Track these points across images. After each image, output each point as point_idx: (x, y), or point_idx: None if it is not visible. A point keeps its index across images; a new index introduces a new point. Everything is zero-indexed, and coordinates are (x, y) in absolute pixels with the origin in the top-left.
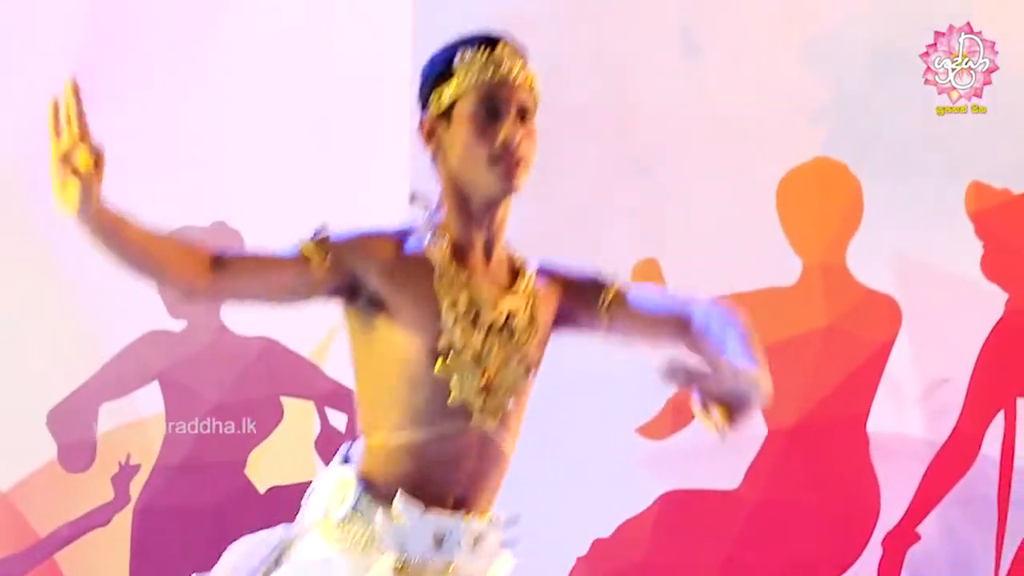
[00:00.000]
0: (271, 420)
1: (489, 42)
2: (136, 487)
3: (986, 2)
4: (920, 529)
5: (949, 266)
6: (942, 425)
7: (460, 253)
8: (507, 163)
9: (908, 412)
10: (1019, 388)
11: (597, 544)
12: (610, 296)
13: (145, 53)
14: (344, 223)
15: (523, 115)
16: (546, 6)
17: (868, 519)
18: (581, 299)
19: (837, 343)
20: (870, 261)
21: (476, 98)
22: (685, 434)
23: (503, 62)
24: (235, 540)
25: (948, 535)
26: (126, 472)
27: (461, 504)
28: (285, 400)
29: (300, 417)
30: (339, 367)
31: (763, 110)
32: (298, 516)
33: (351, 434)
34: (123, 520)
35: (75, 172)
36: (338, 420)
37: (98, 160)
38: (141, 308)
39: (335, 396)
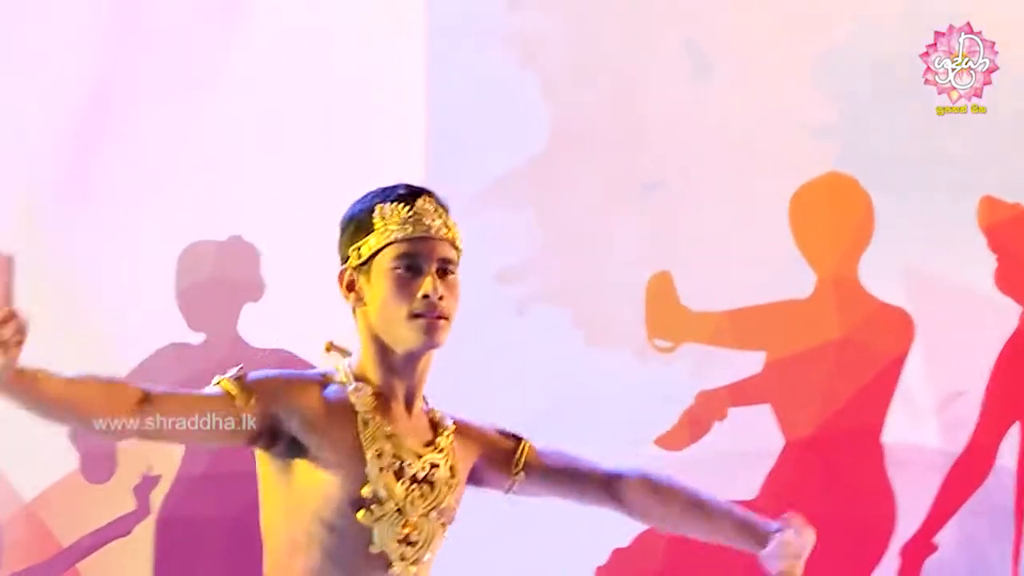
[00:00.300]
0: None
1: (409, 196)
2: (157, 497)
3: (986, 2)
4: (937, 539)
5: (962, 279)
6: (958, 436)
7: (382, 403)
8: (428, 319)
9: (923, 423)
10: None
11: (616, 554)
12: (525, 452)
13: (160, 67)
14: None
15: (444, 269)
16: (555, 22)
17: (885, 530)
18: (496, 455)
19: (851, 355)
20: (883, 274)
21: (396, 253)
22: (702, 445)
23: (423, 217)
24: (255, 548)
25: (965, 545)
26: (147, 483)
27: None
28: None
29: None
30: None
31: (773, 125)
32: None
33: None
34: (145, 530)
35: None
36: None
37: (21, 333)
38: (161, 321)
39: None
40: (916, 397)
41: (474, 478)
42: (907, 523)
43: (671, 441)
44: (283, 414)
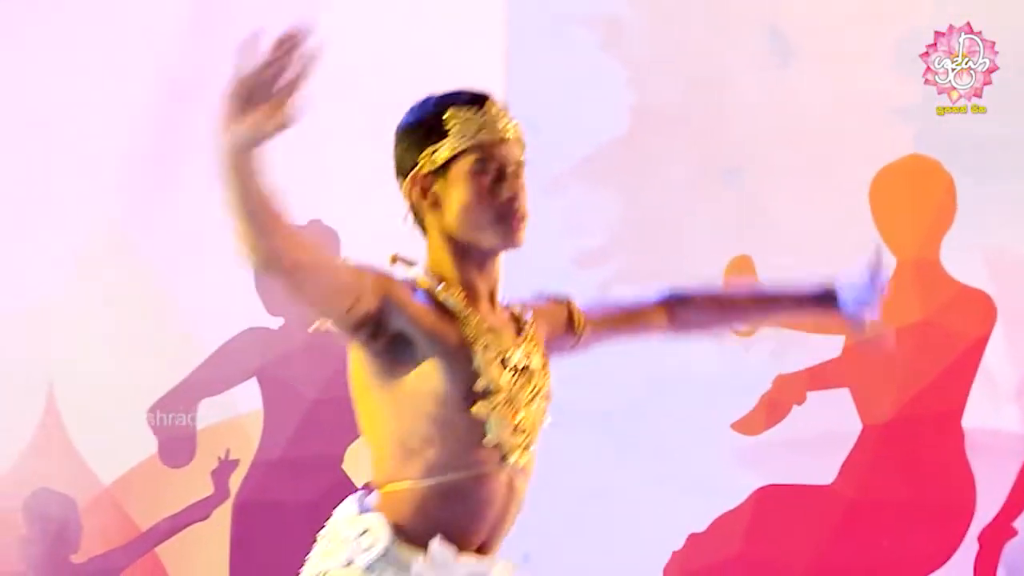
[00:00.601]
0: None
1: (478, 100)
2: (235, 482)
3: (986, 2)
4: (1017, 524)
5: None
6: None
7: (471, 301)
8: (512, 221)
9: (1004, 407)
10: None
11: (692, 539)
12: (575, 312)
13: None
14: None
15: (517, 172)
16: (637, 6)
17: (964, 514)
18: (558, 324)
19: (932, 339)
20: (964, 257)
21: (476, 157)
22: (780, 429)
23: (497, 121)
24: None
25: None
26: (226, 467)
27: (483, 547)
28: None
29: None
30: None
31: (854, 110)
32: (307, 569)
33: None
34: (223, 514)
35: (278, 107)
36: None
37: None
38: (240, 306)
39: None
40: (997, 381)
41: (553, 349)
42: (986, 508)
43: (749, 425)
44: (395, 308)
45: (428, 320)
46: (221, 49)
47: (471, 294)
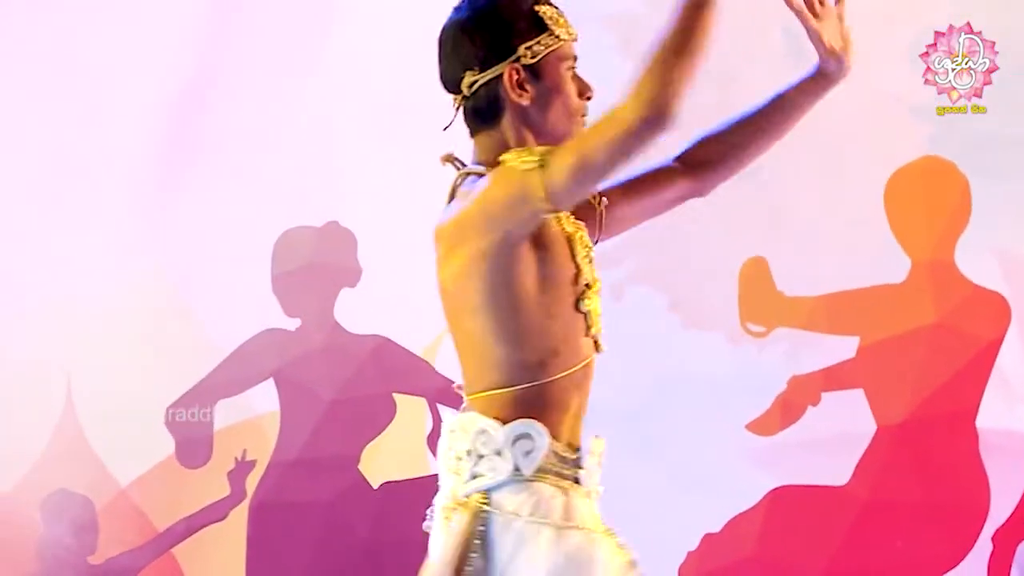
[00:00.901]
0: (384, 416)
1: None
2: (252, 483)
3: (986, 2)
4: None
5: None
6: None
7: None
8: (585, 118)
9: (1018, 408)
10: None
11: (707, 539)
12: (599, 197)
13: (257, 56)
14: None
15: None
16: (653, 7)
17: (978, 515)
18: (580, 213)
19: (946, 340)
20: (979, 258)
21: (569, 55)
22: (794, 430)
23: (567, 20)
24: (348, 534)
25: None
26: (242, 468)
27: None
28: (398, 396)
29: (412, 413)
30: (451, 364)
31: (869, 110)
32: (453, 486)
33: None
34: (239, 515)
35: None
36: (450, 416)
37: None
38: (257, 308)
39: (447, 393)
40: (1011, 382)
41: None
42: (1000, 508)
43: (764, 426)
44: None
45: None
46: (239, 40)
47: None
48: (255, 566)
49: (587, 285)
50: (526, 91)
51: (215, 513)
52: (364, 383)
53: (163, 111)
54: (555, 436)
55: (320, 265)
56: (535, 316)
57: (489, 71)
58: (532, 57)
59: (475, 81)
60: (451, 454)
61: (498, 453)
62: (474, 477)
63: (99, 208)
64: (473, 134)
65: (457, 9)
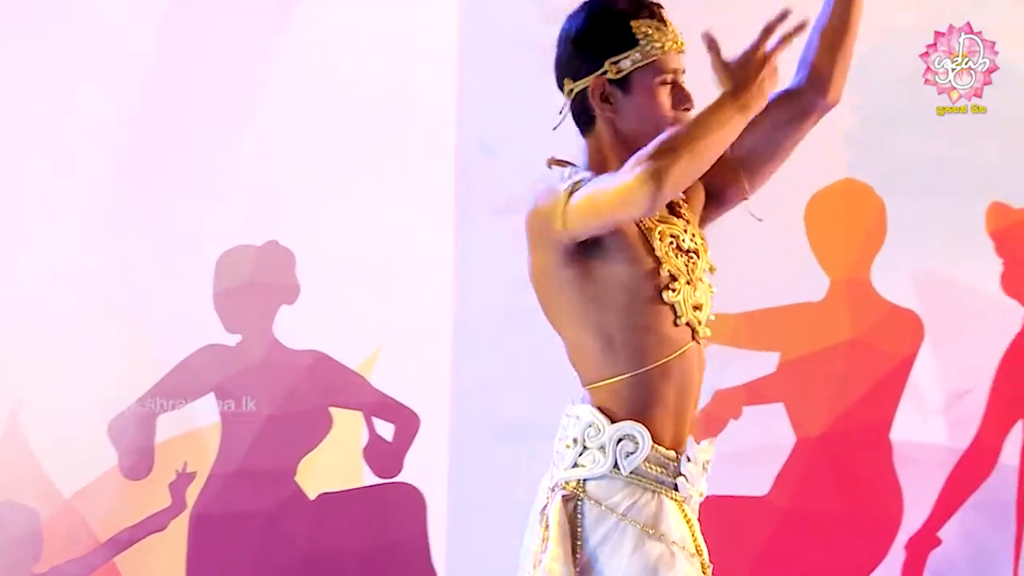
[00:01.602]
0: (321, 430)
1: (654, 8)
2: (192, 494)
3: (986, 2)
4: (941, 534)
5: (970, 282)
6: (963, 434)
7: None
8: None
9: (930, 421)
10: None
11: None
12: (727, 154)
13: (199, 78)
14: (390, 238)
15: (682, 76)
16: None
17: (892, 524)
18: (716, 175)
19: (862, 356)
20: (894, 277)
21: (661, 68)
22: (717, 442)
23: (673, 31)
24: (286, 543)
25: (968, 539)
26: (183, 479)
27: (691, 426)
28: (334, 410)
29: (348, 427)
30: (386, 379)
31: None
32: (562, 474)
33: (399, 442)
34: (180, 525)
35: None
36: (385, 429)
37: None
38: (199, 324)
39: (382, 407)
40: (924, 396)
41: (715, 205)
42: (913, 518)
43: None
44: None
45: None
46: (174, 71)
47: None
48: (195, 574)
49: (672, 276)
50: (610, 104)
51: (156, 523)
52: (302, 397)
53: (105, 133)
54: (658, 437)
55: (260, 283)
56: (613, 314)
57: (580, 82)
58: (617, 73)
59: (571, 89)
60: (563, 439)
61: (601, 448)
62: (575, 466)
63: (45, 224)
64: (581, 135)
65: (568, 17)
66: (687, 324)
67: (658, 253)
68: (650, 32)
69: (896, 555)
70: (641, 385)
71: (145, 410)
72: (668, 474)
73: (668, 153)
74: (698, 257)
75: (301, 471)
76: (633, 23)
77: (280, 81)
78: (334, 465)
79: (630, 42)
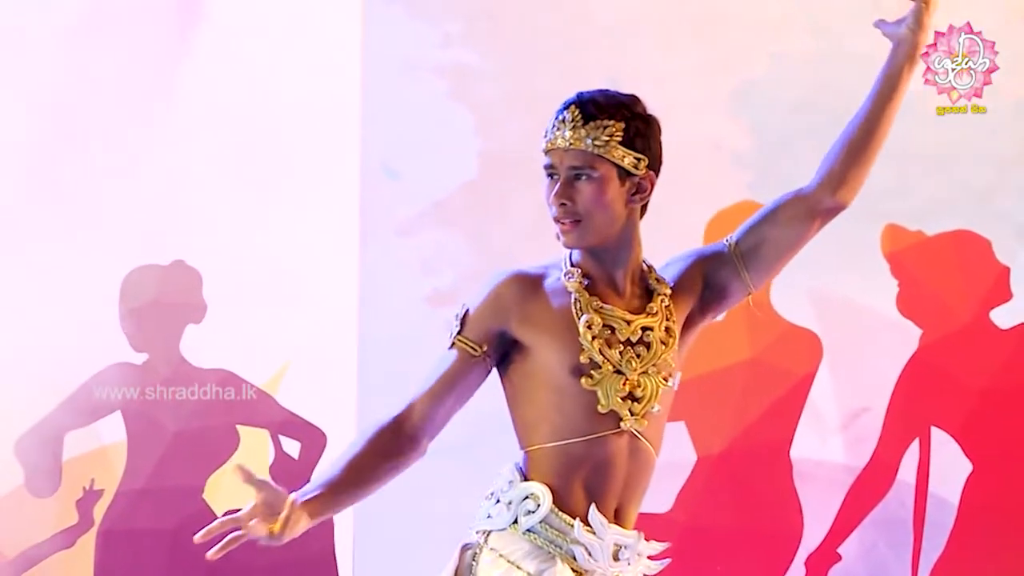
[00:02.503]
0: (228, 447)
1: (561, 108)
2: (99, 511)
3: (986, 2)
4: (841, 550)
5: (867, 303)
6: (861, 452)
7: (593, 284)
8: (558, 223)
9: (829, 439)
10: (933, 417)
11: None
12: (731, 246)
13: (106, 97)
14: (295, 259)
15: (576, 175)
16: (485, 58)
17: (792, 540)
18: (716, 265)
19: (762, 374)
20: (793, 298)
21: (544, 163)
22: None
23: (558, 128)
24: (192, 560)
25: (867, 555)
26: (90, 497)
27: (618, 514)
28: (241, 428)
29: (255, 444)
30: (292, 397)
31: (691, 156)
32: (475, 524)
33: (305, 460)
34: (87, 542)
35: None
36: (291, 447)
37: (291, 514)
38: (105, 342)
39: (288, 425)
40: (822, 415)
41: (716, 299)
42: (813, 534)
43: None
44: (506, 327)
45: (537, 313)
46: (80, 87)
47: (595, 278)
48: None
49: (594, 364)
50: (637, 200)
51: (64, 541)
52: (208, 415)
53: (12, 149)
54: (563, 505)
55: (166, 302)
56: (538, 391)
57: (642, 163)
58: (652, 183)
59: (632, 159)
60: (489, 490)
61: (509, 503)
62: (488, 516)
63: None
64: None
65: (640, 102)
66: (610, 413)
67: (581, 340)
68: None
69: (797, 571)
70: (553, 457)
71: (52, 428)
72: (566, 540)
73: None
74: (648, 351)
75: (208, 488)
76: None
77: (186, 102)
78: (241, 483)
79: (658, 169)
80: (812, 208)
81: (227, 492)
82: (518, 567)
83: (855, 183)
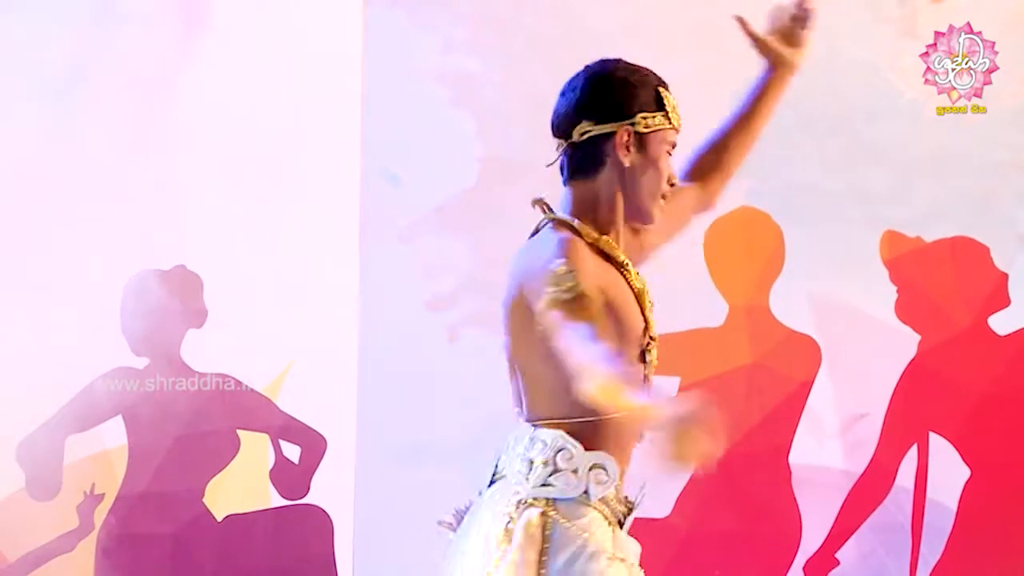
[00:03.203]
0: (228, 452)
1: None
2: (100, 515)
3: (986, 2)
4: (839, 555)
5: (866, 309)
6: (860, 457)
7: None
8: (659, 203)
9: (828, 445)
10: (931, 423)
11: None
12: None
13: (107, 101)
14: (296, 264)
15: None
16: (486, 65)
17: (790, 546)
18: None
19: (761, 380)
20: (792, 303)
21: (671, 139)
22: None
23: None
24: (193, 564)
25: (865, 561)
26: (91, 501)
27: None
28: (241, 433)
29: (255, 449)
30: (292, 402)
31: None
32: (516, 487)
33: (305, 464)
34: (87, 547)
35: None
36: (291, 451)
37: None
38: (106, 346)
39: (288, 429)
40: (821, 420)
41: None
42: (811, 539)
43: None
44: (604, 290)
45: (609, 278)
46: (80, 94)
47: (611, 238)
48: None
49: (651, 338)
50: (628, 153)
51: (64, 544)
52: (209, 420)
53: (15, 153)
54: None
55: (167, 307)
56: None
57: (604, 125)
58: (645, 127)
59: (588, 131)
60: (525, 459)
61: (575, 472)
62: (544, 485)
63: None
64: (568, 181)
65: (596, 63)
66: (647, 384)
67: (646, 313)
68: (674, 105)
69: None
70: (613, 427)
71: (53, 432)
72: (623, 511)
73: (620, 402)
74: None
75: (209, 493)
76: (660, 89)
77: (189, 108)
78: (241, 487)
79: (659, 105)
80: (695, 207)
81: (227, 497)
82: (594, 542)
83: (724, 186)
